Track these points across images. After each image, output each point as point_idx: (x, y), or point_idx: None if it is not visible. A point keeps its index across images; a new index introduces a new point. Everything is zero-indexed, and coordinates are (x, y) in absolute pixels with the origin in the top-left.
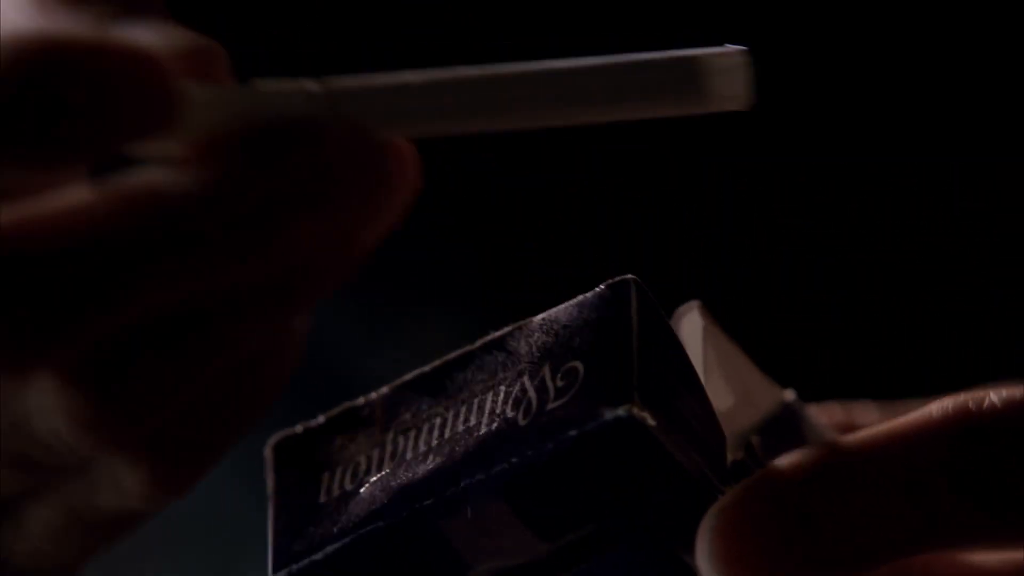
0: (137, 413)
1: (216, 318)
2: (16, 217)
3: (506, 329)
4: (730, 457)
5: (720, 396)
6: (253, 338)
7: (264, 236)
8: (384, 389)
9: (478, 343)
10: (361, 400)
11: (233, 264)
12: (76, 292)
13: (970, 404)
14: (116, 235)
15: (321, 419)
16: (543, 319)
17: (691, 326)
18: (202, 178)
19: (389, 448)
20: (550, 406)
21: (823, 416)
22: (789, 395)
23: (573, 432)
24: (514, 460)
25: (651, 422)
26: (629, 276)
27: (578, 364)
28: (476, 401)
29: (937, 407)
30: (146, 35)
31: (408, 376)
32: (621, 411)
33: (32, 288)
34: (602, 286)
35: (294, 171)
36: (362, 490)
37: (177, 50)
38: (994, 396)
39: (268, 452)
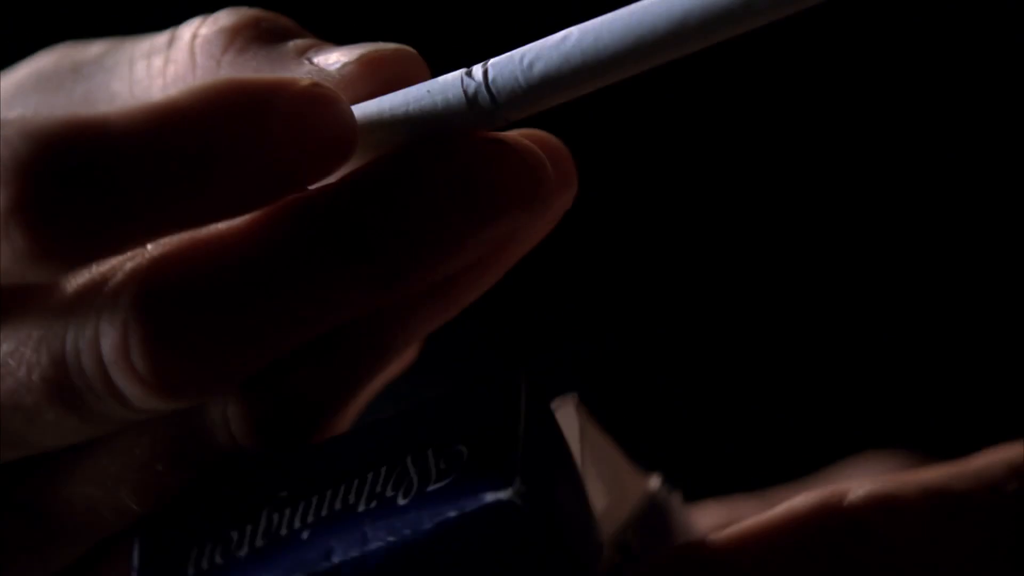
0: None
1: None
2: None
3: (393, 411)
4: (607, 556)
5: (597, 495)
6: (398, 343)
7: (429, 245)
8: (261, 461)
9: (363, 423)
10: (235, 471)
11: (395, 279)
12: (247, 317)
13: (831, 498)
14: (289, 249)
15: (192, 490)
16: (431, 402)
17: (567, 420)
18: (363, 192)
19: (263, 524)
20: (431, 487)
21: (704, 517)
22: (655, 483)
23: (452, 513)
24: (390, 539)
25: (532, 507)
26: (521, 368)
27: (462, 448)
28: (356, 480)
29: (800, 500)
30: (332, 61)
31: (289, 451)
32: (503, 494)
33: (200, 309)
34: (494, 376)
35: (452, 182)
36: (233, 566)
37: (351, 68)
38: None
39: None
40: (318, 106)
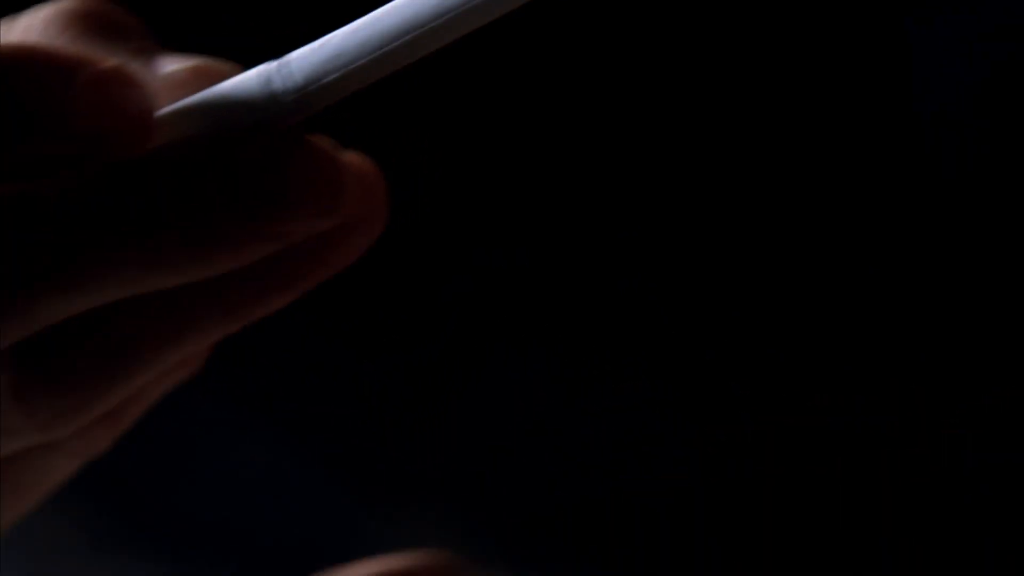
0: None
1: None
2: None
3: None
4: None
5: None
6: (188, 348)
7: (218, 235)
8: None
9: None
10: None
11: (184, 260)
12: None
13: None
14: (79, 207)
15: None
16: None
17: None
18: (157, 173)
19: None
20: None
21: None
22: None
23: None
24: None
25: None
26: None
27: None
28: None
29: None
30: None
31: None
32: None
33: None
34: None
35: (238, 170)
36: None
37: (180, 73)
38: None
39: None
40: (118, 85)
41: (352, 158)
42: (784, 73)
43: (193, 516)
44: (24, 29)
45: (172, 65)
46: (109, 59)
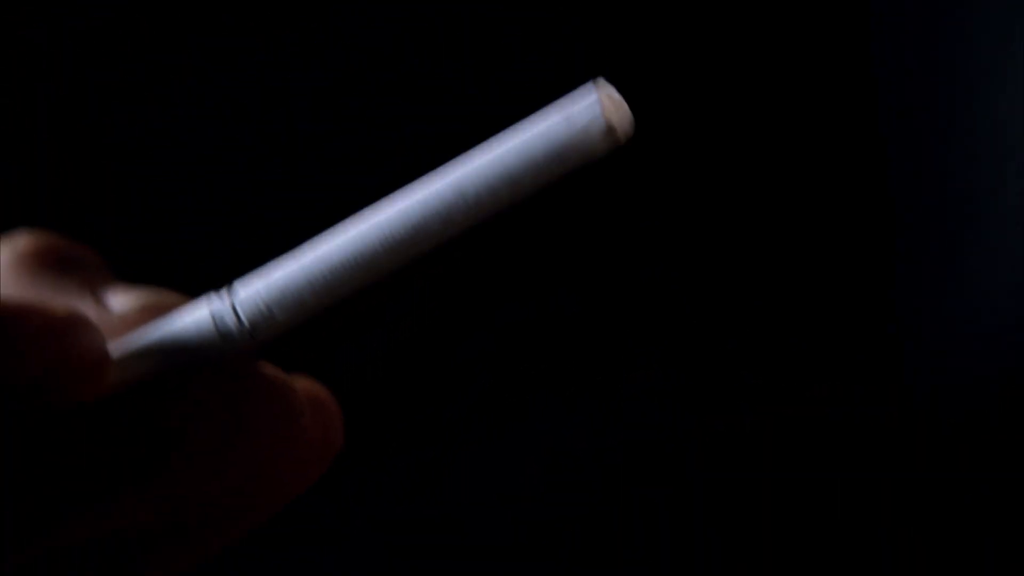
0: None
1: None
2: None
3: None
4: None
5: None
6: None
7: (170, 470)
8: None
9: None
10: None
11: (138, 497)
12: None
13: None
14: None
15: None
16: None
17: None
18: (111, 411)
19: None
20: None
21: None
22: None
23: None
24: None
25: None
26: None
27: None
28: None
29: None
30: (119, 303)
31: None
32: None
33: None
34: None
35: (193, 411)
36: None
37: (131, 313)
38: None
39: None
40: (69, 332)
41: (305, 383)
42: (786, 75)
43: None
44: None
45: (123, 302)
46: (58, 306)
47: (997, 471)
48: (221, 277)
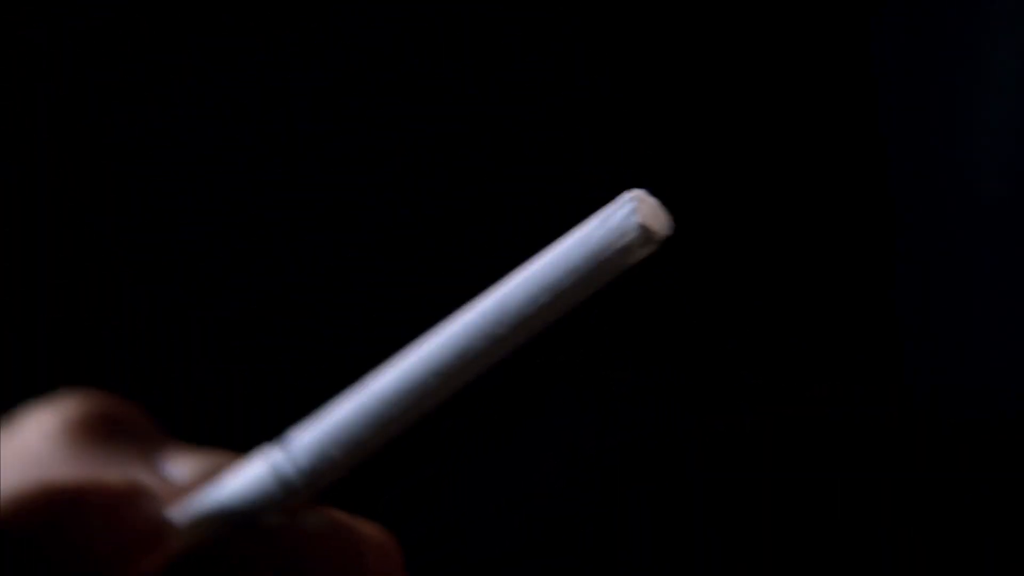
0: None
1: None
2: None
3: None
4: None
5: None
6: None
7: None
8: None
9: None
10: None
11: None
12: None
13: None
14: None
15: None
16: None
17: None
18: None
19: None
20: None
21: None
22: None
23: None
24: None
25: None
26: None
27: None
28: None
29: None
30: (175, 472)
31: None
32: None
33: None
34: None
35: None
36: None
37: (189, 480)
38: None
39: None
40: (131, 505)
41: (368, 528)
42: (786, 75)
43: None
44: (25, 445)
45: (181, 467)
46: (116, 479)
47: (997, 471)
48: (221, 277)
